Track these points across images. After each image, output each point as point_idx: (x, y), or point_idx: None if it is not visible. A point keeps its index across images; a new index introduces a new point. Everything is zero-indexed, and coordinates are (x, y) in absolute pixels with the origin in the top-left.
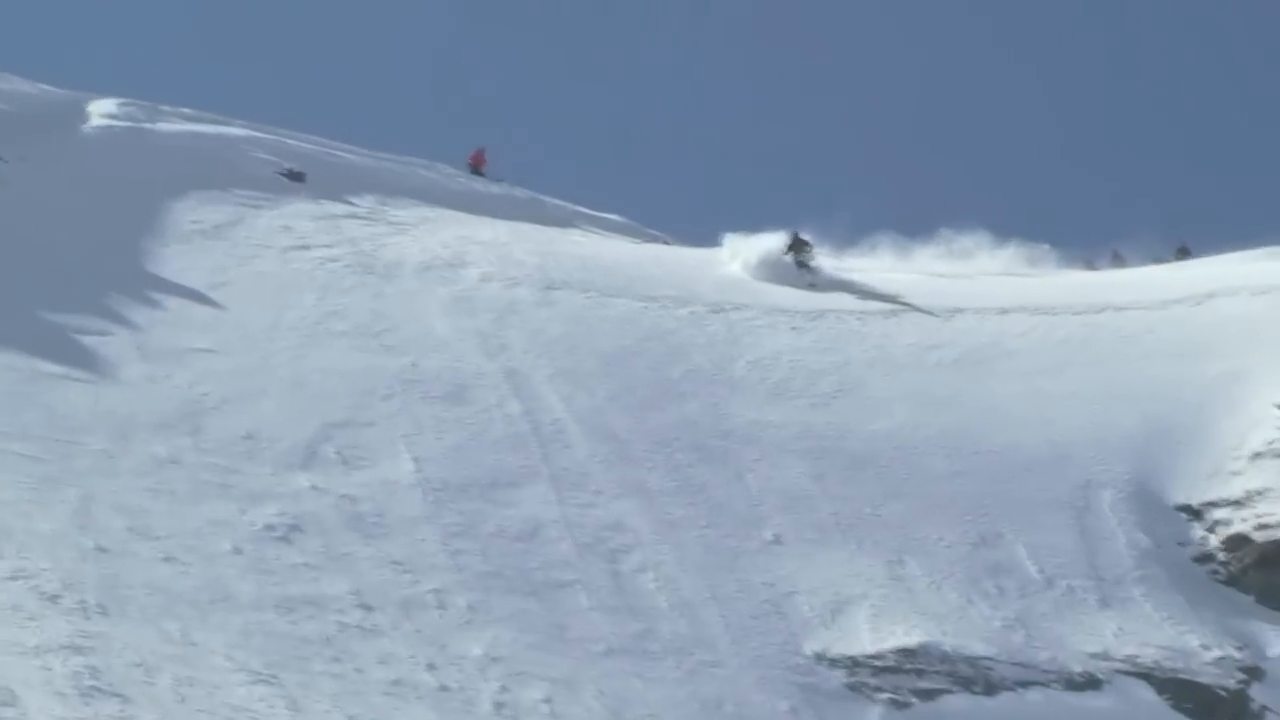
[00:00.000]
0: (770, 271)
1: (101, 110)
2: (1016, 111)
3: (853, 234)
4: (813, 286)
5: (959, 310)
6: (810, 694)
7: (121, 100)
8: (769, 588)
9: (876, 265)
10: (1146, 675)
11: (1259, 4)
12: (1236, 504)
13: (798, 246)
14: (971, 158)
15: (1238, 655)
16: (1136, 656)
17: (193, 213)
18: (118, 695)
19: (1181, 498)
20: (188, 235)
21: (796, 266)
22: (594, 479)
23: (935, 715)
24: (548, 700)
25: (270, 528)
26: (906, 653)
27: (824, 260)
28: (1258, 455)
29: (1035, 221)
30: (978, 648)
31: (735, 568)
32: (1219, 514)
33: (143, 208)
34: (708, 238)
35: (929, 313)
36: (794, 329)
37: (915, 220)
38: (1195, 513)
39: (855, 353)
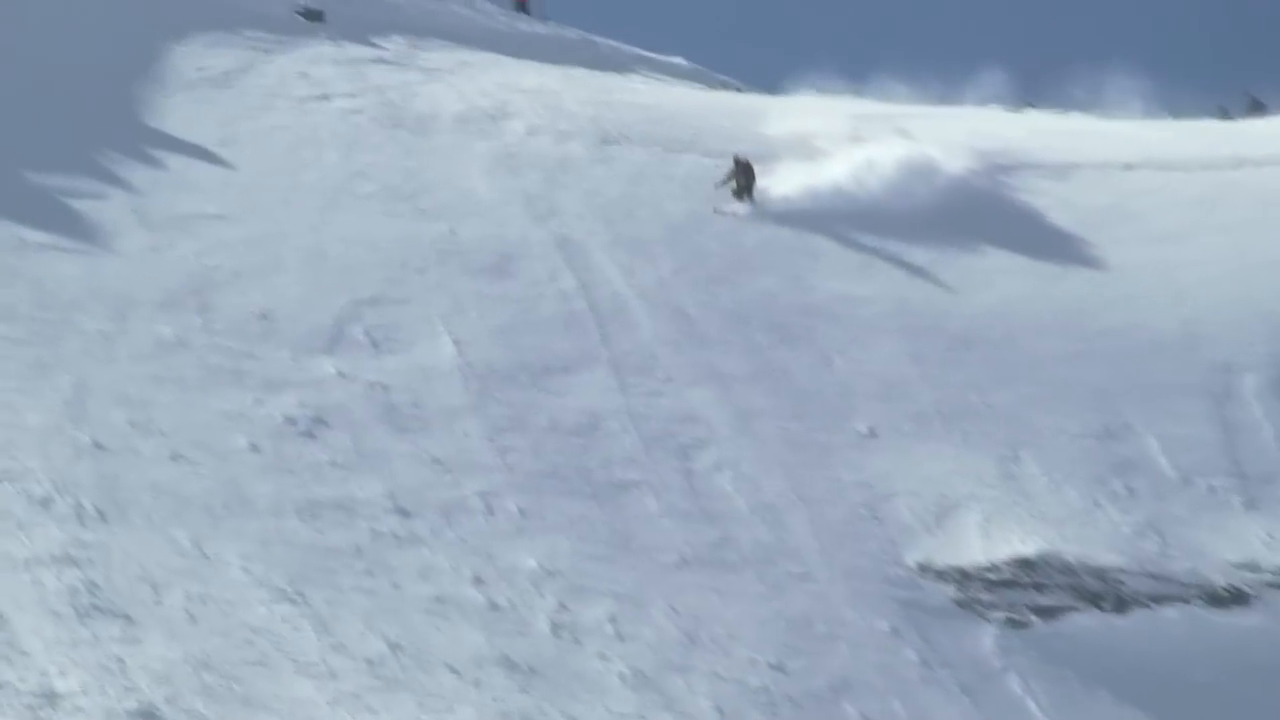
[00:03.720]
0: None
1: None
2: None
3: (954, 79)
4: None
5: (1075, 166)
6: (913, 611)
7: None
8: (863, 488)
9: (981, 116)
10: None
11: None
12: None
13: (742, 175)
14: None
15: None
16: None
17: (197, 58)
18: (120, 615)
19: None
20: (191, 84)
21: (735, 197)
22: (660, 363)
23: (1058, 636)
24: (612, 619)
25: (291, 420)
26: (1024, 563)
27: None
28: None
29: (1160, 60)
30: (1105, 558)
31: (824, 465)
32: None
33: (139, 53)
34: (785, 84)
35: (1041, 168)
36: None
37: (1027, 61)
38: None
39: (956, 216)
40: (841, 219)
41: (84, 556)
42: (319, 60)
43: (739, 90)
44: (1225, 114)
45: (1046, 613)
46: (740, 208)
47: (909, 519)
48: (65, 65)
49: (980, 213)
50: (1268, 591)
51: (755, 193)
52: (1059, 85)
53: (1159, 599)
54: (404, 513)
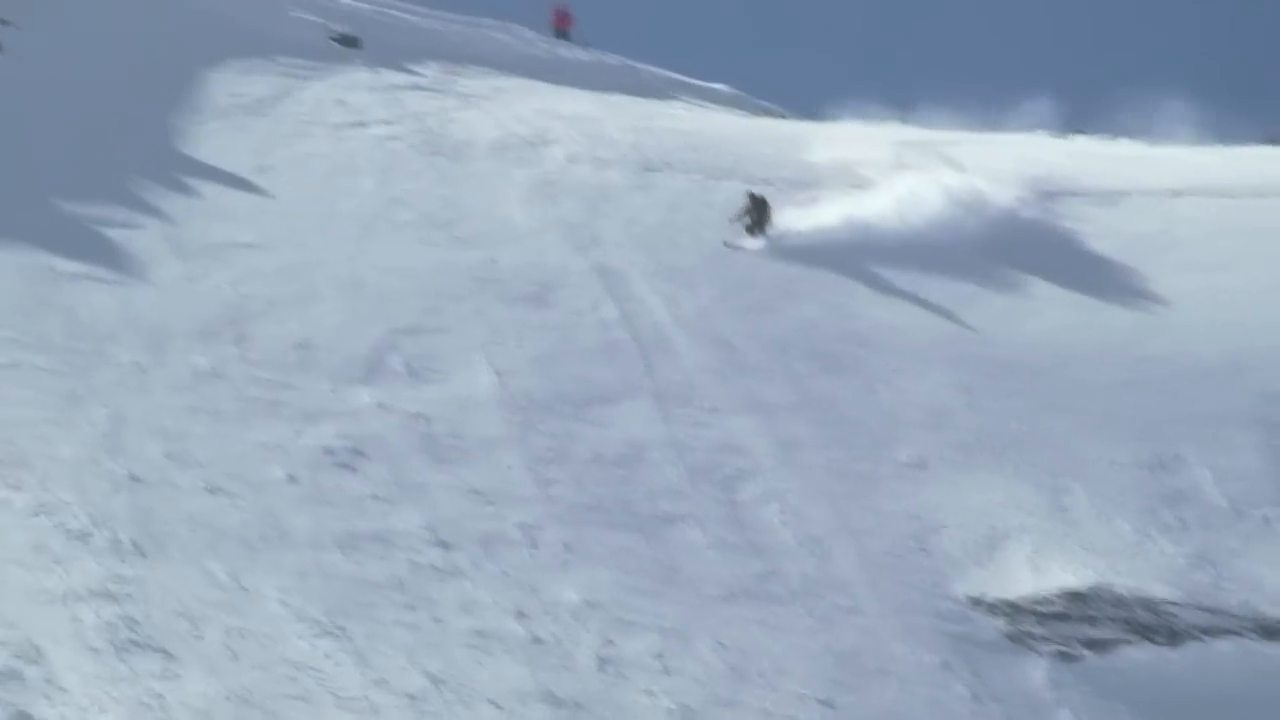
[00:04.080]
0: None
1: None
2: None
3: (999, 105)
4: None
5: (1122, 193)
6: (963, 645)
7: None
8: (911, 520)
9: (1028, 142)
10: None
11: None
12: None
13: (755, 209)
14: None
15: None
16: None
17: (231, 85)
18: (159, 650)
19: None
20: (226, 111)
21: (747, 232)
22: (704, 393)
23: (1110, 670)
24: (658, 654)
25: (329, 452)
26: (1074, 596)
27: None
28: None
29: (1209, 86)
30: (1157, 590)
31: (870, 496)
32: None
33: (173, 79)
34: (827, 109)
35: (1088, 195)
36: None
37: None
38: None
39: (1002, 243)
40: (886, 249)
41: (121, 591)
42: (355, 87)
43: (781, 116)
44: (1274, 140)
45: (1098, 646)
46: (752, 243)
47: (957, 551)
48: (98, 92)
49: (1027, 240)
50: None
51: (769, 228)
52: (1107, 111)
53: (1212, 631)
54: (444, 545)
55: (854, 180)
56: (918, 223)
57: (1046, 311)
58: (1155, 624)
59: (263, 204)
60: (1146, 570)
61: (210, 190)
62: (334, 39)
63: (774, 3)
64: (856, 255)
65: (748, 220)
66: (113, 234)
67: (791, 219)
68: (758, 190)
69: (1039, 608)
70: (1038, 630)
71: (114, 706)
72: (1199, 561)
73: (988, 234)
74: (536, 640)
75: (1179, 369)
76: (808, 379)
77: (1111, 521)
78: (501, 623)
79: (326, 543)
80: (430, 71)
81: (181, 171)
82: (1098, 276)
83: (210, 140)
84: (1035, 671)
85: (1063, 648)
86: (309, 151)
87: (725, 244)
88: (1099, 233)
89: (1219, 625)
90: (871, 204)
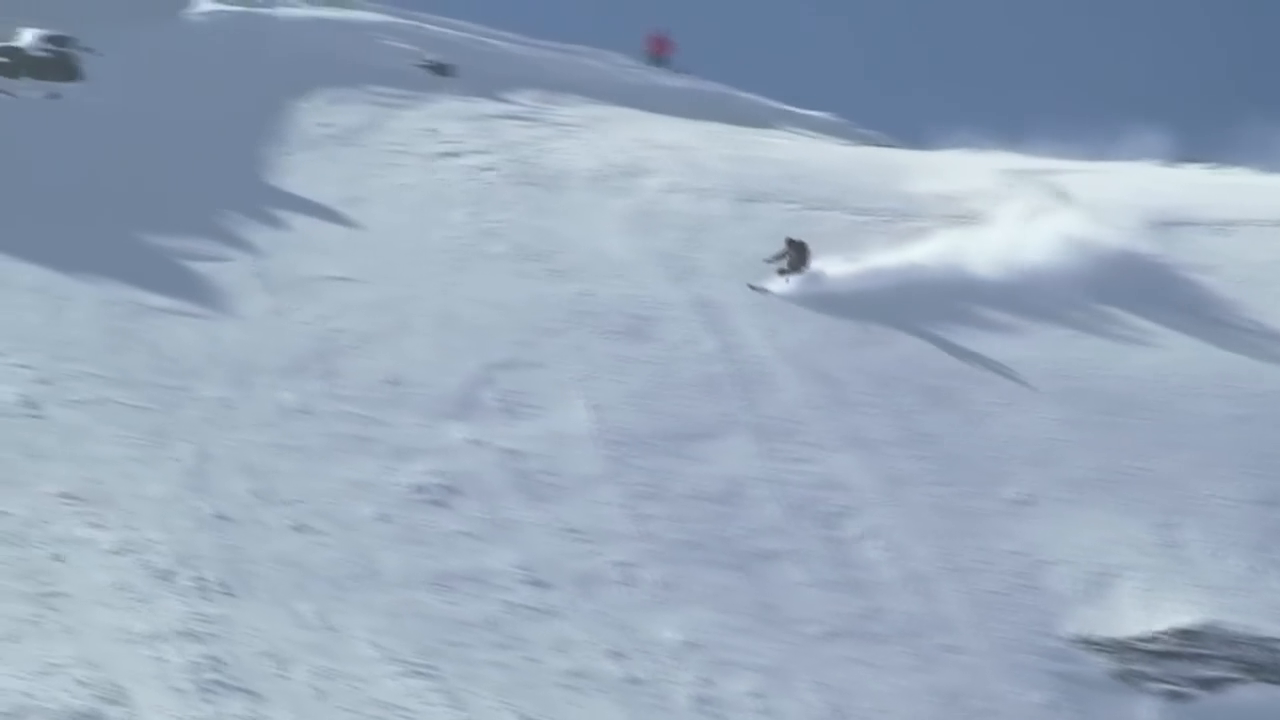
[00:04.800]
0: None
1: None
2: None
3: (1108, 134)
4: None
5: (1236, 223)
6: (1070, 684)
7: None
8: (1017, 557)
9: (1137, 171)
10: None
11: None
12: None
13: (794, 252)
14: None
15: None
16: None
17: (320, 114)
18: (244, 690)
19: None
20: (315, 141)
21: (779, 274)
22: (805, 428)
23: (1221, 709)
24: (756, 693)
25: (421, 489)
26: (1185, 634)
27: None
28: None
29: None
30: (1270, 628)
31: (976, 533)
32: None
33: (260, 108)
34: (932, 138)
35: (1200, 225)
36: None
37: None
38: None
39: (1112, 274)
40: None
41: (206, 630)
42: (447, 116)
43: (884, 145)
44: None
45: (1209, 685)
46: (780, 286)
47: (1065, 589)
48: (181, 121)
49: (1138, 271)
50: None
51: (805, 272)
52: (1217, 139)
53: None
54: (539, 584)
55: (959, 212)
56: (1028, 269)
57: (1157, 344)
58: (1268, 662)
59: (353, 236)
60: (1259, 608)
61: (299, 222)
62: (426, 67)
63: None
64: (962, 289)
65: (784, 264)
66: (199, 267)
67: (837, 264)
68: (797, 236)
69: (1148, 646)
70: (1147, 669)
71: None
72: None
73: (1097, 268)
74: (633, 680)
75: None
76: (912, 414)
77: (1224, 558)
78: (597, 663)
79: (418, 582)
80: (525, 100)
81: (269, 203)
82: (1210, 309)
83: (299, 171)
84: (1144, 711)
85: (1173, 687)
86: (400, 182)
87: (750, 286)
88: (1211, 264)
89: None
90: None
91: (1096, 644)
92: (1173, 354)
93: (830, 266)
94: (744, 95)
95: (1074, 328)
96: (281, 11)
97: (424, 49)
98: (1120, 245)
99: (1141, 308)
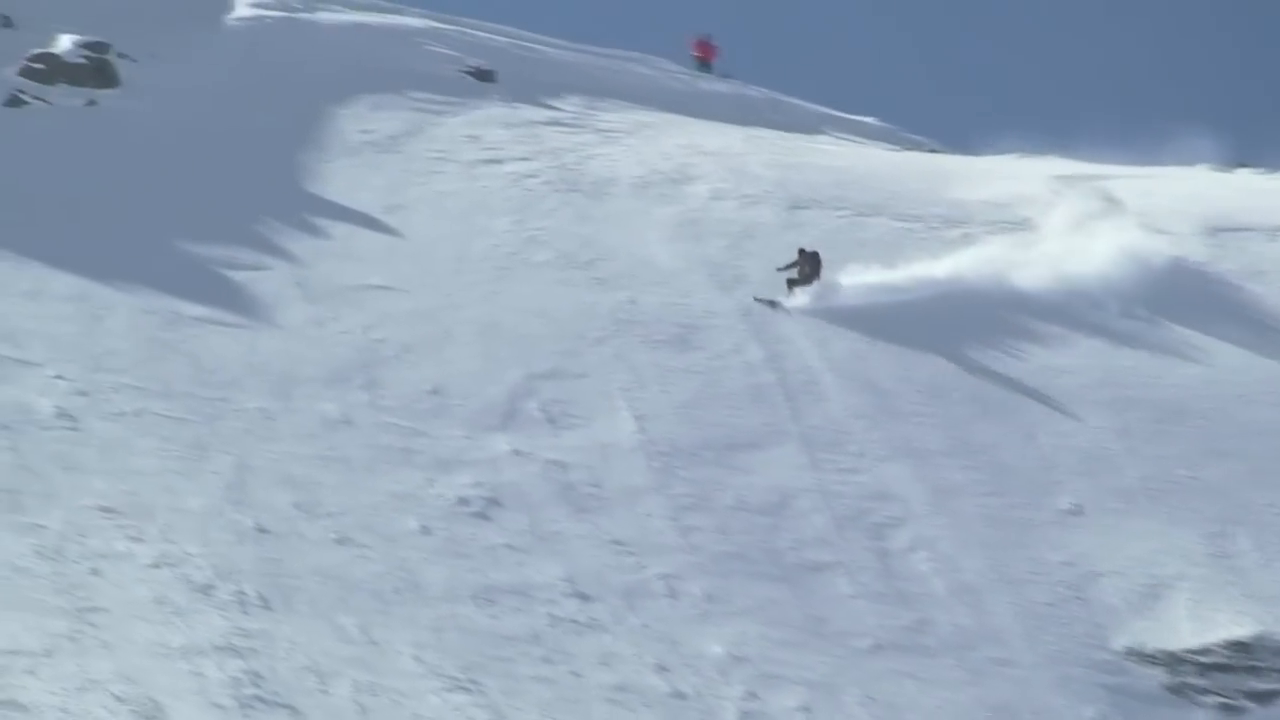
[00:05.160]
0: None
1: None
2: None
3: (1161, 138)
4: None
5: None
6: (1121, 697)
7: None
8: (1067, 568)
9: (1190, 176)
10: None
11: None
12: None
13: (806, 264)
14: None
15: None
16: None
17: (361, 121)
18: (285, 706)
19: None
20: (355, 148)
21: (789, 286)
22: (853, 438)
23: None
24: (804, 708)
25: (464, 501)
26: (1238, 646)
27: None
28: None
29: None
30: None
31: (1026, 544)
32: None
33: (300, 116)
34: (981, 142)
35: (1254, 231)
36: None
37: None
38: None
39: (1165, 282)
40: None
41: (247, 645)
42: (490, 122)
43: (933, 150)
44: None
45: (1262, 697)
46: (788, 300)
47: (1116, 600)
48: (220, 129)
49: (1188, 278)
50: None
51: (817, 284)
52: (1271, 144)
53: None
54: (583, 597)
55: (1008, 218)
56: (1072, 272)
57: (1209, 352)
58: None
59: (394, 244)
60: None
61: (340, 230)
62: (468, 72)
63: (926, 32)
64: (1010, 298)
65: (794, 274)
66: (238, 277)
67: (857, 275)
68: (810, 247)
69: (1200, 658)
70: (1199, 681)
71: None
72: None
73: (1146, 275)
74: (678, 694)
75: None
76: (962, 423)
77: (1275, 568)
78: (642, 677)
79: (461, 595)
80: (568, 106)
81: (310, 211)
82: (1263, 316)
83: (339, 178)
84: None
85: (1225, 699)
86: (442, 189)
87: (756, 299)
88: (1263, 270)
89: None
90: (1024, 248)
91: (1148, 656)
92: (1223, 362)
93: (865, 276)
94: (790, 100)
95: (1123, 336)
96: (322, 16)
97: (466, 54)
98: (1171, 252)
99: (1192, 315)
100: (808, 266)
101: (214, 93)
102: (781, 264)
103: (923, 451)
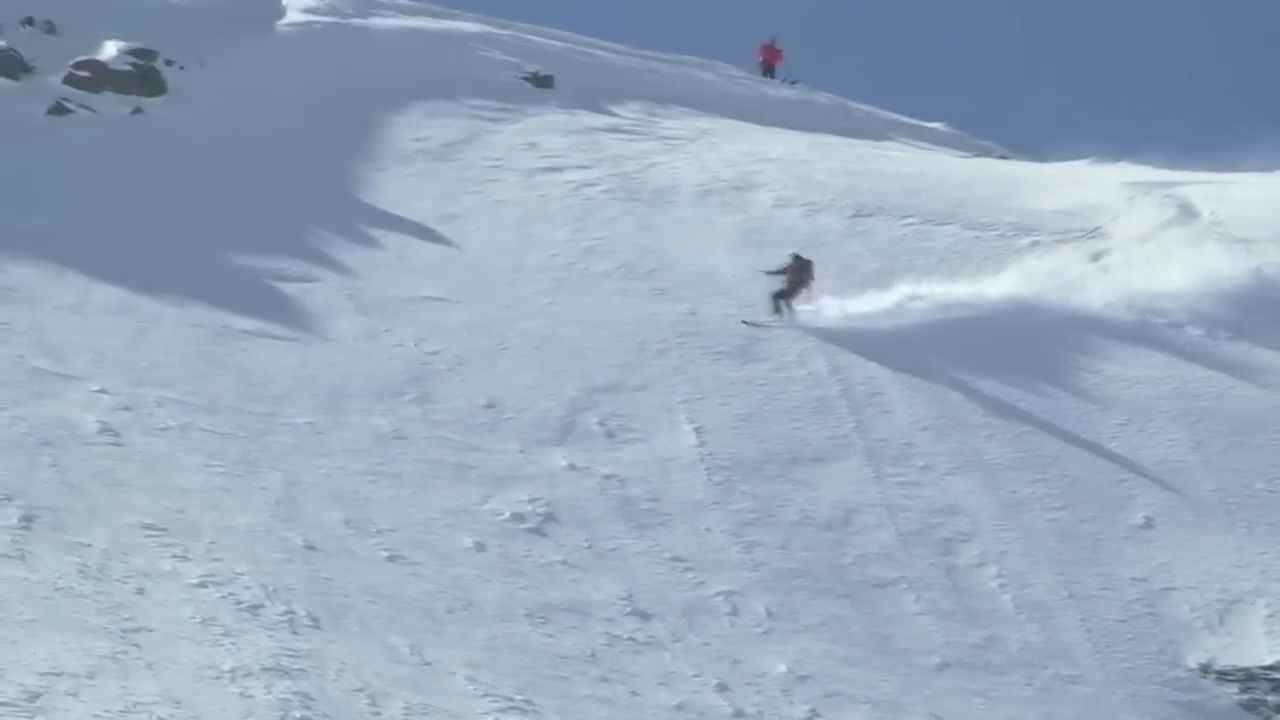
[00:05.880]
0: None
1: (300, 4)
2: None
3: (1236, 144)
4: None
5: None
6: (1194, 716)
7: None
8: (1140, 584)
9: (1268, 182)
10: None
11: None
12: None
13: (795, 272)
14: None
15: None
16: None
17: (415, 129)
18: None
19: None
20: (409, 157)
21: (771, 301)
22: (919, 451)
23: None
24: None
25: (519, 517)
26: None
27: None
28: None
29: None
30: None
31: (1097, 559)
32: None
33: (353, 123)
34: (1052, 149)
35: None
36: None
37: None
38: None
39: (1240, 291)
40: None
41: (296, 666)
42: (548, 129)
43: (1003, 156)
44: None
45: None
46: (772, 319)
47: (1189, 616)
48: (270, 138)
49: (1264, 286)
50: None
51: (804, 293)
52: None
53: None
54: (642, 615)
55: (1080, 227)
56: (1146, 282)
57: None
58: None
59: (449, 255)
60: None
61: (393, 241)
62: (525, 78)
63: (994, 36)
64: (1082, 308)
65: (782, 283)
66: (288, 288)
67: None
68: (805, 254)
69: (1275, 675)
70: (1273, 699)
71: None
72: None
73: (1222, 284)
74: (740, 714)
75: None
76: (1031, 435)
77: None
78: (702, 696)
79: (517, 614)
80: (629, 112)
81: (362, 221)
82: None
83: (393, 188)
84: None
85: None
86: (499, 199)
87: (744, 322)
88: None
89: None
90: (1096, 257)
91: (1222, 673)
92: None
93: (934, 288)
94: (857, 105)
95: (1196, 347)
96: (375, 22)
97: (524, 60)
98: (1247, 260)
99: (1268, 326)
100: (797, 275)
101: (263, 100)
102: (771, 267)
103: (991, 464)
